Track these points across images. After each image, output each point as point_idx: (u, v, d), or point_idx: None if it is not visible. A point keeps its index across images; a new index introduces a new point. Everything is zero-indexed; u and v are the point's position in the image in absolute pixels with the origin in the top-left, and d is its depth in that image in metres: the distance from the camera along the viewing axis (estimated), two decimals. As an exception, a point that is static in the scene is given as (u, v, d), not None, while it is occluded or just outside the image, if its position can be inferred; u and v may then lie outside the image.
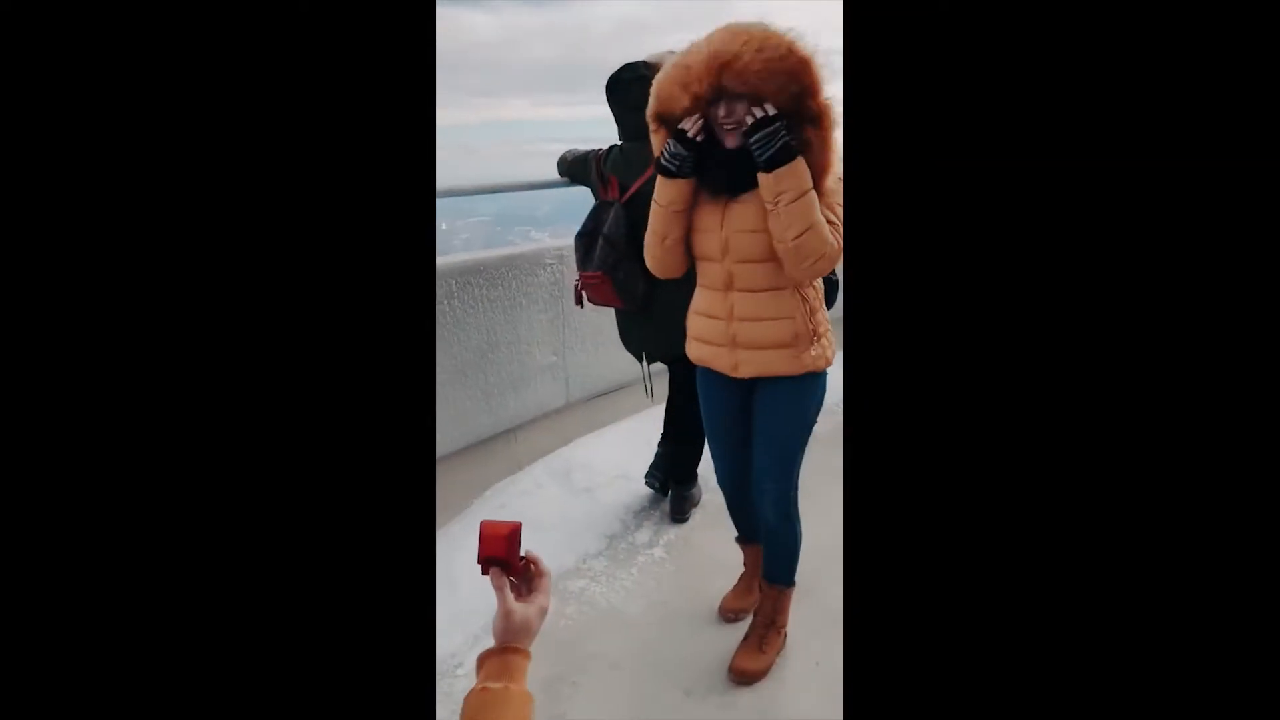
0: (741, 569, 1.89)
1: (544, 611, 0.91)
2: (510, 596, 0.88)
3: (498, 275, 2.32)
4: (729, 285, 1.48)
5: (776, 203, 1.36)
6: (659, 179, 1.47)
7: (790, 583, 1.69)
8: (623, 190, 1.96)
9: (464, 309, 2.24)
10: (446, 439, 2.25)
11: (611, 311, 2.21)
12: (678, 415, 2.27)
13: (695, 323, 1.58)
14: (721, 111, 1.38)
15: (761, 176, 1.37)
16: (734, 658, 1.65)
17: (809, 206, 1.36)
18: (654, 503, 2.34)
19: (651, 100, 1.46)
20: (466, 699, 0.84)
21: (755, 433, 1.59)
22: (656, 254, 1.53)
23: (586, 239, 1.97)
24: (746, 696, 1.57)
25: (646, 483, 2.33)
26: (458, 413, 2.27)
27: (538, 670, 0.85)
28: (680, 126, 1.42)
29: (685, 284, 1.67)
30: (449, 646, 1.73)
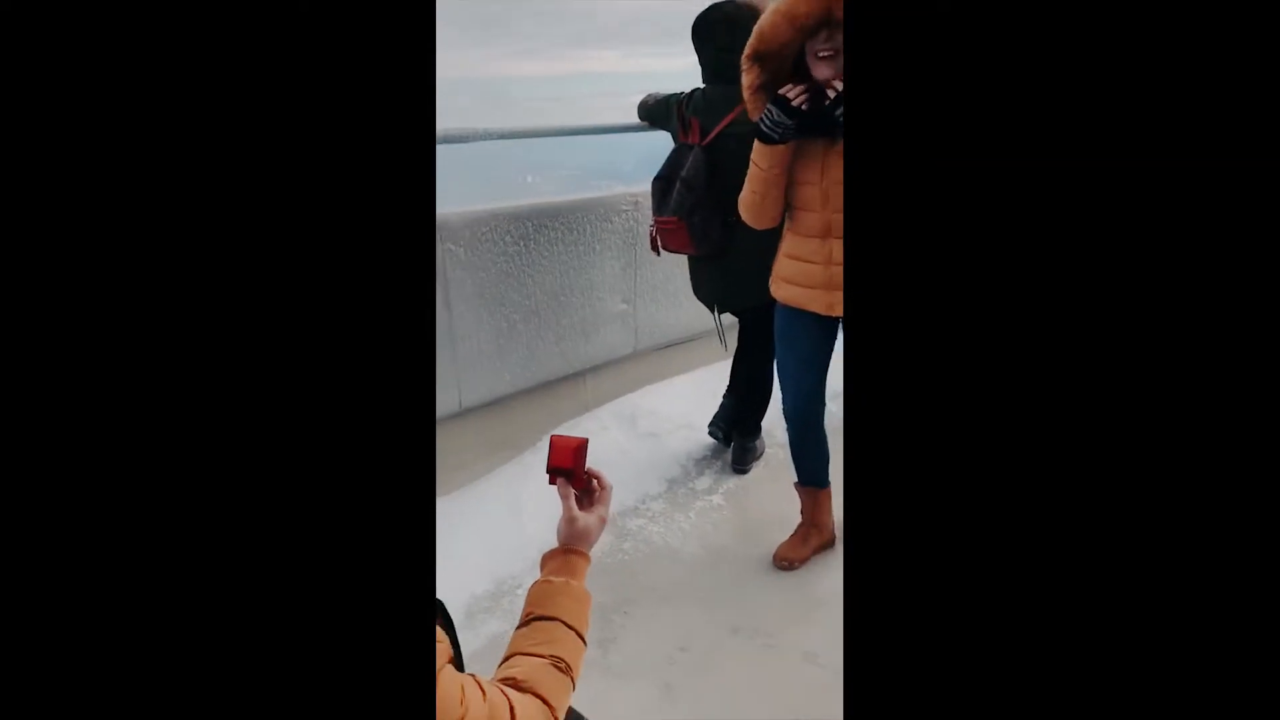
0: (798, 520, 1.91)
1: (603, 521, 0.98)
2: (574, 504, 0.96)
3: (573, 220, 2.36)
4: (827, 233, 1.56)
5: None
6: (758, 144, 1.53)
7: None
8: (704, 134, 1.95)
9: (539, 252, 2.29)
10: (516, 378, 2.34)
11: (684, 261, 2.21)
12: (746, 366, 2.27)
13: (787, 266, 1.66)
14: (822, 38, 1.42)
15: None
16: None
17: None
18: (716, 453, 2.37)
19: (753, 39, 1.49)
20: (530, 590, 0.92)
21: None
22: (754, 211, 1.62)
23: (663, 183, 1.97)
24: (790, 636, 1.60)
25: (710, 433, 2.36)
26: (528, 353, 2.35)
27: (592, 597, 0.91)
28: (782, 93, 1.47)
29: (763, 233, 1.67)
30: (511, 570, 1.83)
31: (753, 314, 2.13)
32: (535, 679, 0.82)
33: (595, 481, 1.00)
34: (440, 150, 2.09)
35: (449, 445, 2.14)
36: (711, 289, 2.15)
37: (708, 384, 2.66)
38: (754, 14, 1.62)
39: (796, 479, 1.88)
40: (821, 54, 1.43)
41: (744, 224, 1.68)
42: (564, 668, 0.85)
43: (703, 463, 2.33)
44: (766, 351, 2.09)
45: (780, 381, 1.82)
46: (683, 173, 1.93)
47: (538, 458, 2.23)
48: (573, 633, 0.89)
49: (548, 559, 0.96)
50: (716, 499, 2.16)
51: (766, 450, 2.37)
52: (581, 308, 2.45)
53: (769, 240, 1.71)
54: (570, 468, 0.97)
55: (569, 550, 0.94)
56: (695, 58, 1.99)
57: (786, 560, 1.84)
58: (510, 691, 0.78)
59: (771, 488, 2.19)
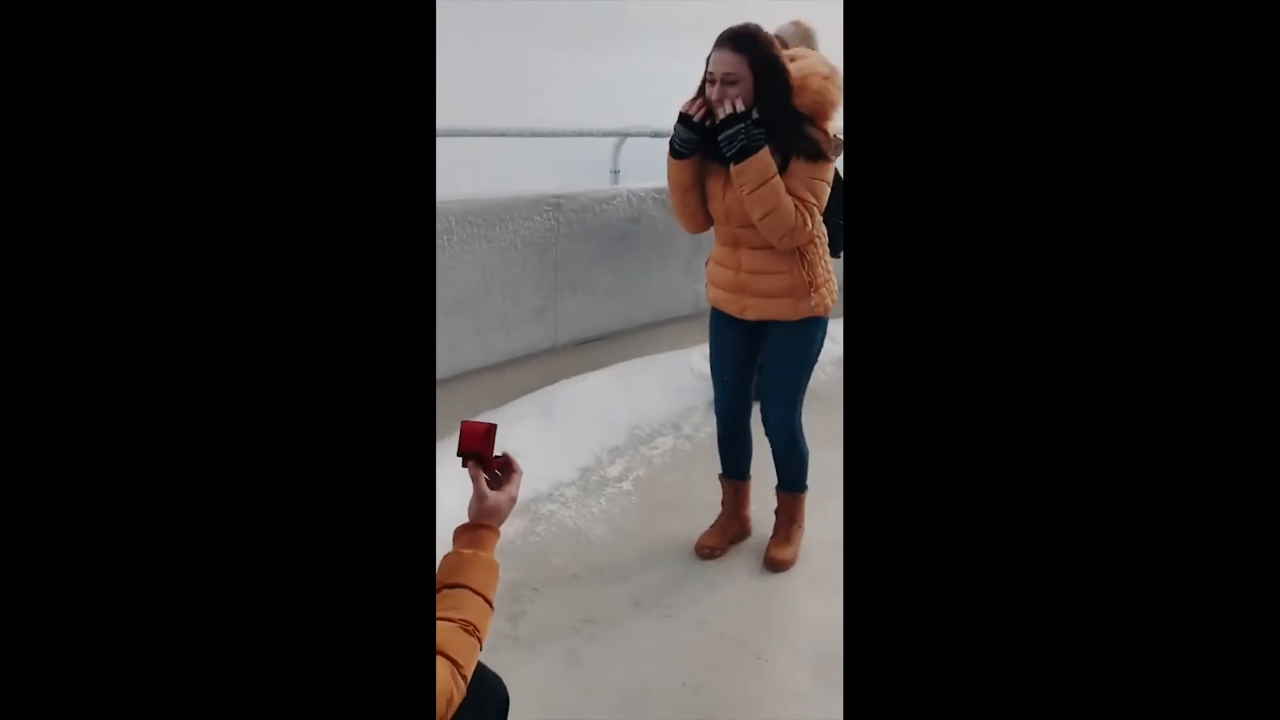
0: (712, 507, 2.03)
1: (513, 500, 1.06)
2: (484, 484, 1.04)
3: (496, 218, 2.44)
4: (737, 243, 1.73)
5: (741, 190, 1.59)
6: (669, 157, 1.70)
7: (803, 489, 1.94)
8: None
9: (462, 246, 2.37)
10: (438, 367, 2.40)
11: (602, 260, 2.46)
12: None
13: (712, 270, 1.84)
14: (715, 91, 1.60)
15: (731, 168, 1.59)
16: (767, 551, 1.93)
17: (770, 192, 1.57)
18: (628, 443, 2.51)
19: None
20: (442, 561, 1.00)
21: (764, 368, 1.85)
22: (679, 217, 1.80)
23: None
24: (688, 609, 1.75)
25: None
26: (450, 344, 2.42)
27: (504, 575, 1.00)
28: (683, 109, 1.64)
29: None
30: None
31: None
32: (444, 641, 0.89)
33: (507, 463, 1.10)
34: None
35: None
36: None
37: (622, 378, 2.79)
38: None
39: (720, 471, 2.01)
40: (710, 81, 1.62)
41: None
42: (471, 630, 0.93)
43: (615, 451, 2.46)
44: None
45: (713, 381, 1.97)
46: None
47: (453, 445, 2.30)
48: (480, 599, 0.97)
49: (459, 533, 1.03)
50: (626, 485, 2.29)
51: (674, 442, 2.52)
52: (502, 301, 2.54)
53: None
54: (479, 450, 1.05)
55: (478, 525, 1.02)
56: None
57: (708, 548, 1.94)
58: None
59: (678, 475, 2.34)
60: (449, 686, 0.87)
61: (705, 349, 3.05)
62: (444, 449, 2.30)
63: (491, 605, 1.00)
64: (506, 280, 2.52)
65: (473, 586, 0.98)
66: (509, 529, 2.03)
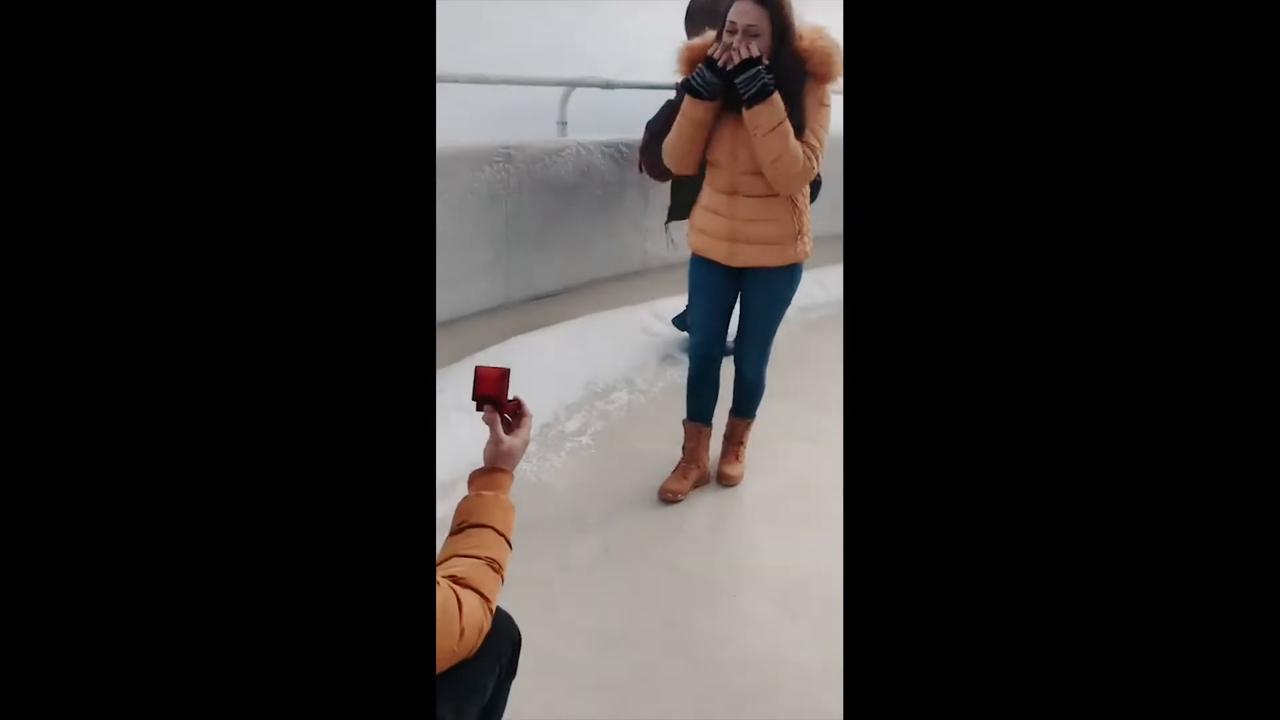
0: (670, 458, 2.08)
1: (526, 443, 1.09)
2: (500, 428, 1.06)
3: (445, 168, 2.37)
4: (734, 190, 1.78)
5: (755, 133, 1.65)
6: (688, 97, 1.73)
7: (753, 415, 2.10)
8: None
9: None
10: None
11: (555, 212, 2.54)
12: None
13: (700, 216, 1.89)
14: (738, 39, 1.66)
15: (745, 111, 1.65)
16: (719, 470, 2.09)
17: (782, 135, 1.65)
18: (584, 398, 2.52)
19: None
20: (461, 503, 1.02)
21: (743, 310, 1.93)
22: (676, 156, 1.82)
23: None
24: (657, 553, 1.80)
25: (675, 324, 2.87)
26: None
27: None
28: (710, 54, 1.68)
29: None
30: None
31: None
32: (474, 577, 0.93)
33: (519, 407, 1.11)
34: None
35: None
36: (670, 205, 2.65)
37: (575, 334, 2.79)
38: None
39: (686, 415, 2.06)
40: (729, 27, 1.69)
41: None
42: (496, 567, 0.97)
43: (572, 407, 2.47)
44: None
45: (689, 321, 2.03)
46: (652, 121, 2.40)
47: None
48: (502, 538, 1.01)
49: (475, 476, 1.06)
50: (585, 440, 2.31)
51: (629, 397, 2.55)
52: (454, 256, 2.48)
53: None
54: (495, 395, 1.06)
55: (495, 469, 1.05)
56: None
57: (671, 493, 2.00)
58: (455, 588, 0.88)
59: (635, 430, 2.37)
60: (480, 617, 0.89)
61: (655, 306, 3.11)
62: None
63: (510, 544, 1.02)
64: (459, 234, 2.46)
65: (495, 526, 1.01)
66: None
